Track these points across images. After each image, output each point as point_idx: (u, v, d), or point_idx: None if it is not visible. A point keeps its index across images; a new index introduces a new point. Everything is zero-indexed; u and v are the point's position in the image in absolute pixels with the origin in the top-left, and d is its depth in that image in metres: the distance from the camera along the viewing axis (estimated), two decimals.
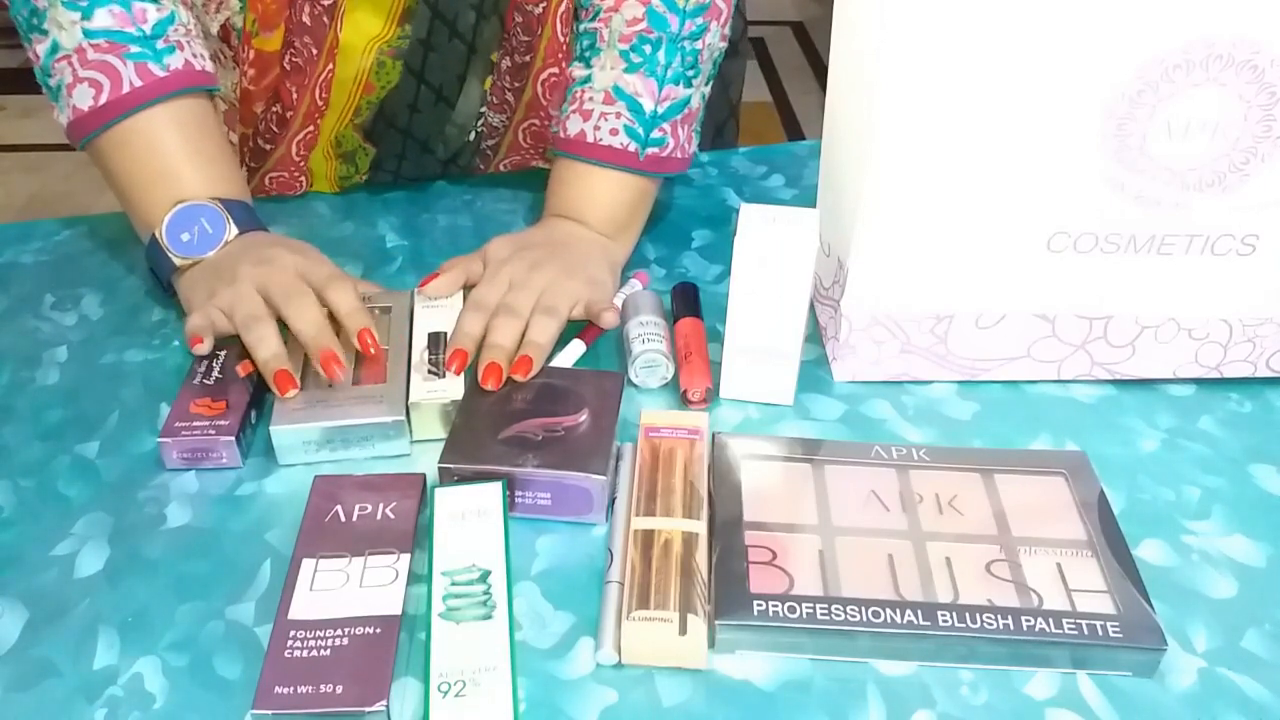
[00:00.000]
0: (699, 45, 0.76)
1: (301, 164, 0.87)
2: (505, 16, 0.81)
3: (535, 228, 0.78)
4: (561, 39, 0.82)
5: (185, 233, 0.70)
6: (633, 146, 0.75)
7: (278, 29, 0.77)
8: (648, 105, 0.75)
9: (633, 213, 0.78)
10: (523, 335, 0.66)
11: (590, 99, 0.76)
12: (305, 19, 0.77)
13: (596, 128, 0.75)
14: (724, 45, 0.80)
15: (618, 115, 0.75)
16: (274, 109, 0.83)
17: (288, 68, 0.80)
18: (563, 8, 0.81)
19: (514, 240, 0.74)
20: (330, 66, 0.80)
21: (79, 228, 0.86)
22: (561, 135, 0.77)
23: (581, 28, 0.79)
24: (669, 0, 0.74)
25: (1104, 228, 0.63)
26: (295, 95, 0.81)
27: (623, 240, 0.79)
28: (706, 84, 0.79)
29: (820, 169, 0.71)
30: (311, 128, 0.84)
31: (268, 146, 0.85)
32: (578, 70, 0.78)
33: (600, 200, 0.77)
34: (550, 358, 0.68)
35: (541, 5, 0.80)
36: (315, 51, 0.79)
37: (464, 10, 0.79)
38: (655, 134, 0.76)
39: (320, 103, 0.82)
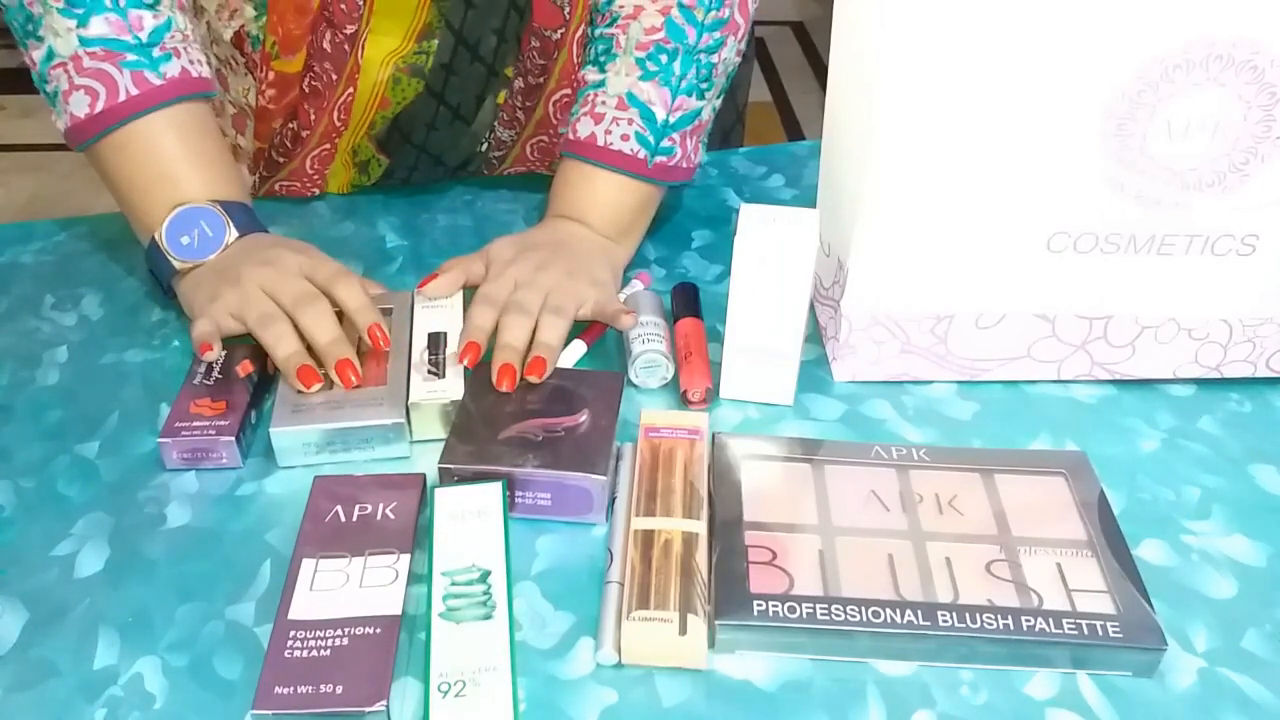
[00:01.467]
0: (714, 59, 0.76)
1: (315, 177, 0.88)
2: (522, 39, 0.81)
3: (538, 228, 0.78)
4: (576, 63, 0.83)
5: (185, 236, 0.70)
6: (642, 153, 0.76)
7: (299, 53, 0.78)
8: (660, 114, 0.75)
9: (636, 218, 0.79)
10: (532, 335, 0.66)
11: (603, 103, 0.76)
12: (326, 45, 0.78)
13: (608, 131, 0.76)
14: (739, 60, 0.80)
15: (629, 121, 0.75)
16: (290, 126, 0.83)
17: (306, 90, 0.80)
18: (580, 32, 0.81)
19: (517, 241, 0.74)
20: (350, 90, 0.81)
21: (79, 228, 0.86)
22: (571, 136, 0.77)
23: (597, 32, 0.79)
24: (688, 12, 0.75)
25: (1104, 228, 0.63)
26: (313, 116, 0.82)
27: (625, 244, 0.79)
28: (718, 97, 0.80)
29: (820, 169, 0.71)
30: (328, 145, 0.85)
31: (281, 159, 0.86)
32: (591, 74, 0.78)
33: (605, 203, 0.77)
34: None
35: (560, 30, 0.81)
36: (335, 77, 0.79)
37: (486, 35, 0.80)
38: (665, 143, 0.76)
39: (338, 124, 0.83)
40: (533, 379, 0.64)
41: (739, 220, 0.63)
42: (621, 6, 0.77)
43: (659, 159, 0.76)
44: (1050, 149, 0.60)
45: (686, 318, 0.71)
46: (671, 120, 0.76)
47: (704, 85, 0.77)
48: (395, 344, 0.67)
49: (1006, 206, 0.63)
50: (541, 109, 0.86)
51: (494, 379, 0.63)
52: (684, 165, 0.78)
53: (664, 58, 0.75)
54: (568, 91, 0.85)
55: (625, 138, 0.75)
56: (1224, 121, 0.60)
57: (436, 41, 0.79)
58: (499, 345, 0.65)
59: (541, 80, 0.84)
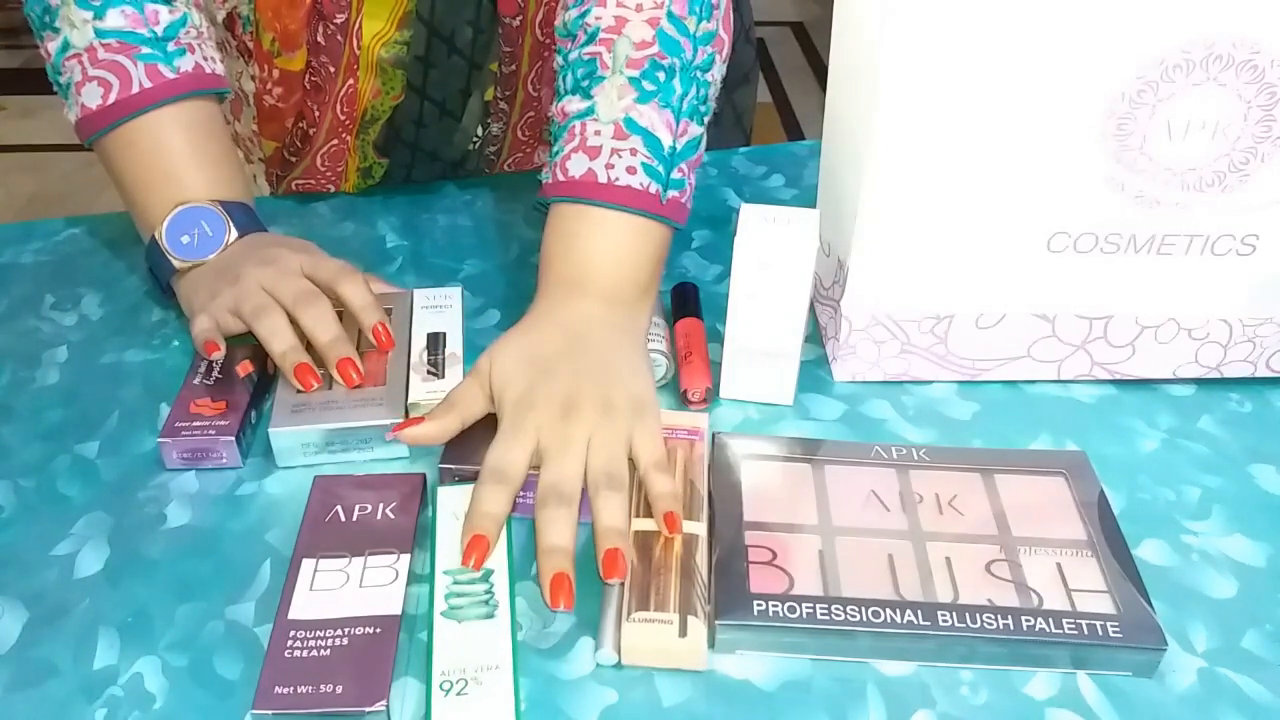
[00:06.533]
0: (709, 78, 0.68)
1: (328, 174, 0.88)
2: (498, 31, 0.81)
3: (537, 321, 0.63)
4: (541, 38, 0.82)
5: (185, 235, 0.70)
6: (654, 187, 0.64)
7: (299, 49, 0.78)
8: (666, 140, 0.64)
9: (655, 269, 0.66)
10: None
11: (596, 133, 0.64)
12: (320, 39, 0.78)
13: (610, 166, 0.63)
14: (720, 85, 0.71)
15: (633, 151, 0.64)
16: (300, 125, 0.84)
17: (308, 87, 0.80)
18: (539, 16, 0.81)
19: (520, 357, 0.60)
20: (351, 82, 0.80)
21: (79, 228, 0.86)
22: (561, 178, 0.65)
23: (573, 55, 0.68)
24: (678, 23, 0.66)
25: (1104, 228, 0.63)
26: (317, 113, 0.82)
27: (644, 306, 0.65)
28: (707, 126, 0.70)
29: (820, 169, 0.71)
30: (336, 141, 0.85)
31: (293, 159, 0.86)
32: (574, 103, 0.67)
33: (617, 256, 0.64)
34: None
35: (519, 19, 0.81)
36: (333, 69, 0.79)
37: (460, 26, 0.79)
38: (675, 175, 0.65)
39: (343, 117, 0.83)
40: (613, 582, 0.52)
41: (739, 220, 0.62)
42: (598, 19, 0.67)
43: (671, 194, 0.64)
44: (1050, 149, 0.60)
45: (686, 318, 0.71)
46: (678, 147, 0.65)
47: (703, 108, 0.68)
48: (395, 344, 0.67)
49: (1006, 206, 0.63)
50: (521, 92, 0.86)
51: (547, 599, 0.51)
52: (688, 204, 0.67)
53: (661, 75, 0.65)
54: (540, 65, 0.84)
55: (632, 170, 0.63)
56: (1224, 121, 0.60)
57: (410, 33, 0.79)
58: (542, 550, 0.52)
59: (514, 68, 0.84)
